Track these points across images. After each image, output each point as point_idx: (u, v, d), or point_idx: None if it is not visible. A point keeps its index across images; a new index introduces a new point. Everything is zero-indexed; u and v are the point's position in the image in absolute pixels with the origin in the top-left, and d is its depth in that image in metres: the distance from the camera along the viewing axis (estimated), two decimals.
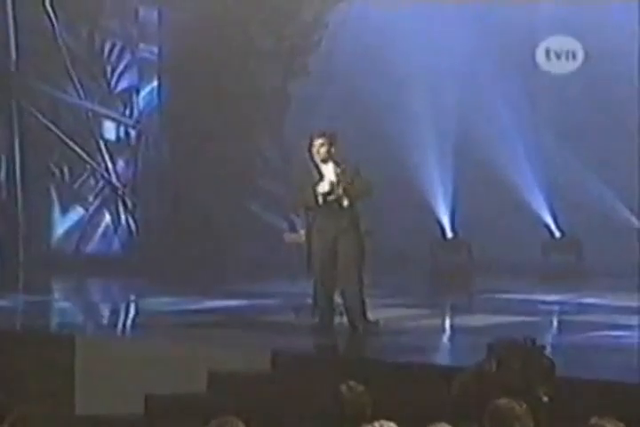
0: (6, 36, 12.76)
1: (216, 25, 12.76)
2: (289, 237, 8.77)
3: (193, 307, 9.53)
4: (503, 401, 4.53)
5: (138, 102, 13.03)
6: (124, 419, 6.78)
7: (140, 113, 13.04)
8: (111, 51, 12.96)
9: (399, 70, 12.42)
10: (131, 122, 13.06)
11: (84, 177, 13.07)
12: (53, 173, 13.03)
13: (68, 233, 13.05)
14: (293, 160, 12.69)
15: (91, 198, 13.07)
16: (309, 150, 8.08)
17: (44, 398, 6.63)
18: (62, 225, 13.08)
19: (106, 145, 13.04)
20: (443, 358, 7.95)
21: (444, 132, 12.51)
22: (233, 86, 12.98)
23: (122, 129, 13.08)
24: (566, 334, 8.76)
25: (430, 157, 12.61)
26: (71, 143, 12.94)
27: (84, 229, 13.05)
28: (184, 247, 12.67)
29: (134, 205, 13.02)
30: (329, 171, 8.08)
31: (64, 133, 12.92)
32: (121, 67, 12.97)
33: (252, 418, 4.47)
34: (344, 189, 7.93)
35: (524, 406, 4.55)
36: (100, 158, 13.03)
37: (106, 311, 10.13)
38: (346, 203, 7.96)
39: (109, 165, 13.03)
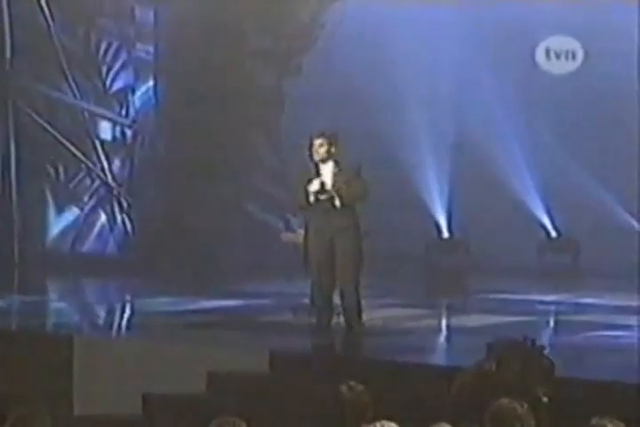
0: (1, 34, 12.74)
1: (212, 25, 12.75)
2: (286, 236, 8.77)
3: (190, 307, 9.51)
4: (504, 401, 4.54)
5: (134, 102, 13.01)
6: (122, 419, 6.77)
7: (136, 113, 13.02)
8: (107, 50, 12.93)
9: (396, 70, 12.41)
10: (126, 121, 13.04)
11: (79, 177, 13.04)
12: (49, 173, 13.01)
13: (63, 233, 13.02)
14: (290, 160, 12.73)
15: (86, 198, 13.05)
16: (309, 150, 8.09)
17: (42, 399, 6.60)
18: (57, 225, 13.06)
19: (101, 145, 13.02)
20: (441, 359, 7.95)
21: (441, 132, 12.51)
22: (229, 86, 12.97)
23: (117, 129, 13.06)
24: (563, 334, 8.76)
25: (427, 157, 12.61)
26: (67, 143, 12.92)
27: (79, 228, 13.02)
28: (180, 247, 12.65)
29: (130, 205, 13.00)
30: (327, 171, 8.09)
31: (59, 133, 12.90)
32: (117, 66, 12.95)
33: (252, 418, 4.46)
34: (337, 190, 7.94)
35: (526, 406, 4.55)
36: (95, 158, 13.01)
37: (102, 312, 10.11)
38: (338, 203, 7.96)
39: (105, 164, 13.01)
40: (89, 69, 12.91)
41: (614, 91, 11.89)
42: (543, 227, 12.63)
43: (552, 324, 9.51)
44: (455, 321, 9.44)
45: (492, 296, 10.47)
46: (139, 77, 12.99)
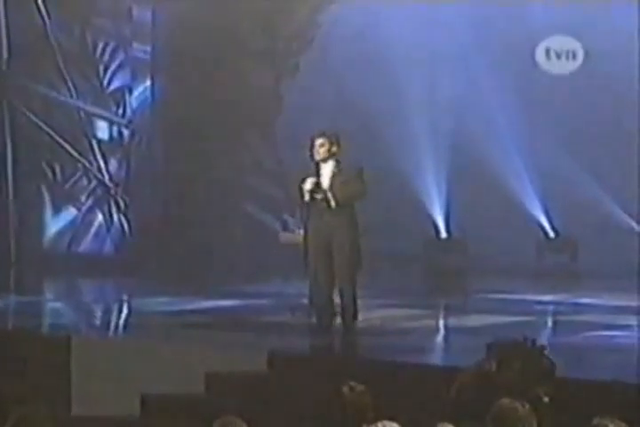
0: None
1: (209, 25, 12.74)
2: (284, 236, 8.75)
3: (188, 307, 9.49)
4: (506, 402, 4.52)
5: (131, 102, 13.00)
6: (120, 419, 6.75)
7: (133, 112, 13.00)
8: (104, 50, 12.92)
9: (395, 70, 12.41)
10: (123, 121, 13.02)
11: (76, 177, 13.02)
12: (45, 173, 12.99)
13: (60, 233, 13.00)
14: (287, 160, 12.72)
15: (83, 198, 13.03)
16: (310, 150, 8.09)
17: (40, 399, 6.59)
18: (54, 225, 13.03)
19: (98, 144, 13.00)
20: (440, 359, 7.94)
21: (440, 133, 12.50)
22: (226, 86, 12.96)
23: (114, 128, 13.04)
24: (561, 334, 8.75)
25: (425, 158, 12.60)
26: (63, 143, 12.90)
27: (76, 229, 13.01)
28: (177, 247, 12.63)
29: (127, 205, 12.99)
30: (326, 170, 8.09)
31: (56, 133, 12.88)
32: (114, 66, 12.93)
33: (251, 418, 4.44)
34: (332, 189, 7.93)
35: (527, 406, 4.53)
36: (92, 158, 12.99)
37: (99, 312, 10.09)
38: (333, 203, 7.95)
39: (102, 164, 12.99)
40: (86, 69, 12.90)
41: (614, 91, 11.89)
42: (541, 227, 12.63)
43: (550, 324, 9.50)
44: (453, 321, 9.43)
45: (490, 296, 10.46)
46: (136, 77, 12.98)
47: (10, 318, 9.59)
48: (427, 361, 7.54)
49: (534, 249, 12.42)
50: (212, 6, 12.69)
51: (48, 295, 11.27)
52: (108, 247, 12.98)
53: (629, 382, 6.38)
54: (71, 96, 12.89)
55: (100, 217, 13.02)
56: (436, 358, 7.93)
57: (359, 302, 8.23)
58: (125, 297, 10.70)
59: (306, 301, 8.40)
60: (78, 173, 13.01)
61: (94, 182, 13.01)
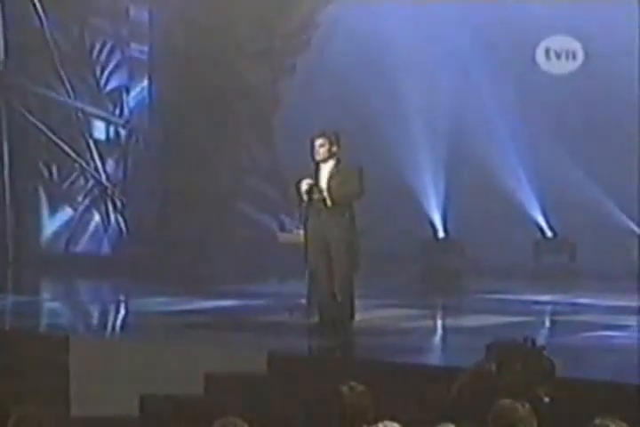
0: None
1: (206, 24, 12.73)
2: (283, 236, 8.75)
3: (186, 307, 9.49)
4: (507, 402, 4.52)
5: (128, 102, 12.98)
6: (119, 420, 6.74)
7: (130, 112, 12.98)
8: (101, 50, 12.90)
9: (393, 70, 12.40)
10: (120, 121, 13.01)
11: (73, 177, 13.01)
12: (42, 173, 12.98)
13: (56, 233, 12.99)
14: (284, 160, 12.72)
15: (80, 198, 13.02)
16: (310, 150, 8.10)
17: (38, 399, 6.58)
18: (51, 225, 13.02)
19: (95, 144, 12.99)
20: (439, 359, 7.94)
21: (439, 133, 12.49)
22: (223, 86, 12.96)
23: (112, 128, 13.03)
24: (559, 334, 8.75)
25: (423, 158, 12.60)
26: (60, 143, 12.89)
27: (73, 229, 12.99)
28: (174, 247, 12.62)
29: (124, 205, 12.97)
30: (326, 170, 8.10)
31: (53, 133, 12.87)
32: (111, 66, 12.92)
33: (250, 419, 4.43)
34: (328, 189, 7.94)
35: (528, 406, 4.54)
36: (89, 158, 12.98)
37: (96, 312, 10.08)
38: (329, 203, 7.94)
39: (99, 164, 12.98)
40: (83, 69, 12.88)
41: (614, 91, 11.89)
42: (539, 227, 12.63)
43: (548, 324, 9.50)
44: (451, 321, 9.42)
45: (488, 296, 10.46)
46: (133, 77, 12.96)
47: (7, 318, 9.57)
48: (426, 361, 7.54)
49: (532, 249, 12.42)
50: (209, 6, 12.68)
51: (45, 295, 11.26)
52: (105, 247, 12.96)
53: (630, 383, 6.38)
54: (68, 96, 12.88)
55: (97, 217, 13.01)
56: (435, 359, 7.93)
57: (357, 302, 8.23)
58: (123, 297, 10.69)
59: (304, 301, 8.40)
60: (75, 173, 13.00)
61: (91, 182, 13.00)
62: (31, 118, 12.83)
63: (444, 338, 8.84)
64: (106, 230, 12.99)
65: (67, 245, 12.97)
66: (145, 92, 13.00)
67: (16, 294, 10.63)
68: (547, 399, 5.09)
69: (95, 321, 9.72)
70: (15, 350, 7.76)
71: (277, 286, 10.57)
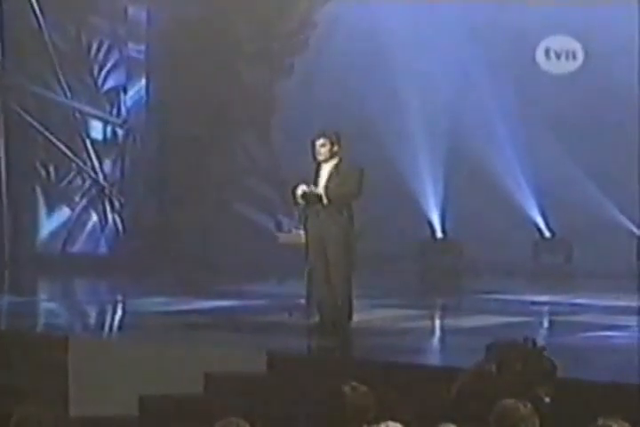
0: None
1: (204, 25, 12.72)
2: (282, 237, 8.74)
3: (184, 307, 9.48)
4: (509, 402, 4.52)
5: (125, 101, 12.96)
6: (118, 420, 6.73)
7: (128, 112, 12.97)
8: (99, 49, 12.89)
9: (391, 70, 12.39)
10: (118, 121, 12.99)
11: (70, 176, 12.99)
12: (39, 173, 12.96)
13: (54, 233, 12.97)
14: (282, 161, 12.72)
15: (77, 198, 13.00)
16: (312, 151, 8.12)
17: (37, 400, 6.56)
18: (48, 225, 13.00)
19: (93, 144, 12.97)
20: (438, 359, 7.93)
21: (437, 133, 12.50)
22: (220, 86, 12.94)
23: (109, 128, 13.01)
24: (557, 334, 8.75)
25: (422, 158, 12.60)
26: (58, 142, 12.87)
27: (70, 229, 12.97)
28: (171, 247, 12.61)
29: (121, 205, 12.96)
30: (326, 170, 8.12)
31: (50, 132, 12.85)
32: (108, 65, 12.90)
33: (250, 419, 4.42)
34: (325, 188, 7.94)
35: (530, 406, 4.53)
36: (86, 158, 12.96)
37: (94, 312, 10.06)
38: (325, 201, 7.96)
39: (96, 164, 12.96)
40: (80, 68, 12.86)
41: (614, 91, 11.90)
42: (537, 227, 12.64)
43: (546, 324, 9.49)
44: (450, 322, 9.42)
45: (486, 297, 10.46)
46: (130, 77, 12.95)
47: (5, 318, 9.55)
48: (425, 362, 7.54)
49: (530, 249, 12.43)
50: (206, 6, 12.67)
51: (43, 296, 11.23)
52: (103, 247, 12.95)
53: (630, 383, 6.38)
54: (66, 96, 12.86)
55: (94, 217, 12.99)
56: (434, 359, 7.92)
57: (355, 302, 8.23)
58: (120, 297, 10.68)
59: (303, 301, 8.40)
60: (72, 173, 12.98)
61: (88, 182, 12.98)
62: (28, 118, 12.81)
63: (442, 338, 8.84)
64: (103, 230, 12.97)
65: (64, 244, 12.95)
66: (142, 92, 12.99)
67: (13, 295, 10.60)
68: (547, 400, 5.09)
69: (93, 321, 9.69)
70: (13, 351, 7.73)
71: (276, 286, 10.56)
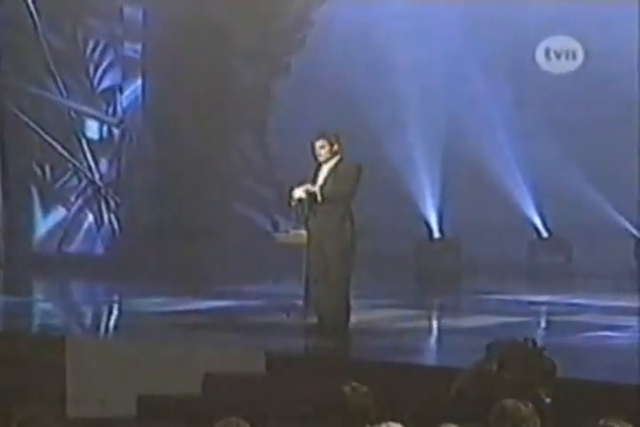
0: None
1: (200, 24, 12.70)
2: (280, 237, 8.73)
3: (181, 308, 9.46)
4: (509, 402, 4.51)
5: (121, 101, 12.94)
6: (116, 421, 6.72)
7: (124, 112, 12.94)
8: (94, 49, 12.86)
9: (389, 69, 12.38)
10: (114, 121, 12.96)
11: (66, 176, 12.97)
12: (35, 173, 12.94)
13: (49, 233, 12.94)
14: (278, 160, 12.71)
15: (73, 198, 12.97)
16: (312, 152, 8.12)
17: (35, 401, 6.55)
18: (44, 225, 12.98)
19: (89, 144, 12.94)
20: (437, 359, 7.93)
21: (435, 133, 12.49)
22: (217, 85, 12.92)
23: (105, 128, 12.99)
24: (555, 334, 8.74)
25: (420, 158, 12.59)
26: (53, 142, 12.85)
27: (66, 229, 12.95)
28: (167, 247, 12.58)
29: (117, 205, 12.93)
30: (325, 169, 8.13)
31: (46, 132, 12.82)
32: (104, 65, 12.87)
33: (249, 420, 4.41)
34: (320, 187, 7.95)
35: (531, 406, 4.52)
36: (82, 157, 12.94)
37: (90, 312, 10.04)
38: (319, 199, 7.97)
39: (92, 164, 12.94)
40: (76, 68, 12.84)
41: (614, 91, 11.91)
42: (535, 227, 12.64)
43: (544, 324, 9.49)
44: (448, 322, 9.42)
45: (484, 297, 10.46)
46: (126, 76, 12.92)
47: (0, 319, 9.52)
48: (423, 362, 7.53)
49: (528, 249, 12.43)
50: (202, 5, 12.65)
51: (38, 296, 11.21)
52: (99, 247, 12.92)
53: (629, 383, 6.38)
54: (61, 95, 12.83)
55: (90, 217, 12.96)
56: (433, 359, 7.92)
57: (353, 302, 8.21)
58: (117, 298, 10.65)
59: (301, 301, 8.38)
60: (68, 173, 12.96)
61: (84, 182, 12.95)
62: (24, 118, 12.79)
63: (440, 338, 8.84)
64: (99, 230, 12.94)
65: (60, 245, 12.92)
66: (138, 92, 12.96)
67: (8, 295, 10.56)
68: (547, 400, 5.09)
69: (89, 322, 9.67)
70: (10, 352, 7.71)
71: (274, 286, 10.55)
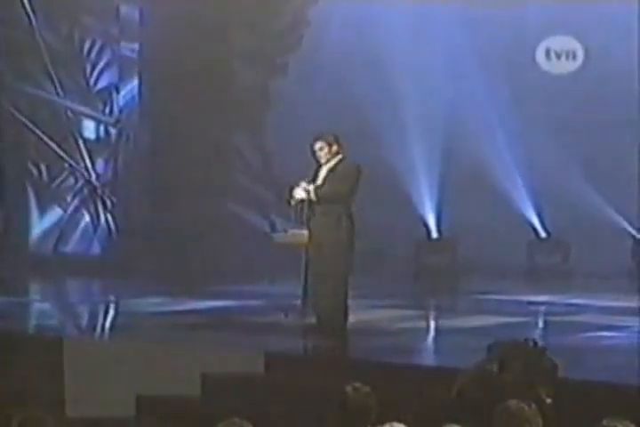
0: None
1: (197, 23, 12.67)
2: (278, 237, 8.71)
3: (179, 308, 9.45)
4: (512, 402, 4.50)
5: (118, 101, 12.90)
6: (115, 421, 6.70)
7: (120, 111, 12.90)
8: (91, 48, 12.82)
9: (388, 69, 12.37)
10: (111, 120, 12.92)
11: (62, 176, 12.93)
12: (31, 173, 12.90)
13: (46, 233, 12.91)
14: (276, 160, 12.69)
15: (69, 198, 12.93)
16: (312, 155, 8.11)
17: (34, 401, 6.53)
18: (40, 225, 12.94)
19: (85, 144, 12.91)
20: (435, 360, 7.92)
21: (433, 132, 12.48)
22: (214, 85, 12.90)
23: (101, 128, 12.95)
24: (553, 334, 8.73)
25: (418, 158, 12.58)
26: (50, 142, 12.81)
27: (62, 229, 12.91)
28: (164, 247, 12.55)
29: (114, 205, 12.89)
30: (325, 170, 8.12)
31: (42, 132, 12.79)
32: (101, 64, 12.84)
33: (249, 420, 4.39)
34: (316, 187, 7.94)
35: (534, 406, 4.51)
36: (79, 157, 12.90)
37: (87, 313, 10.01)
38: (314, 199, 7.97)
39: (88, 164, 12.90)
40: (73, 68, 12.81)
41: (614, 91, 11.91)
42: (533, 227, 12.63)
43: (542, 325, 9.49)
44: (445, 322, 9.40)
45: (481, 297, 10.46)
46: (123, 76, 12.88)
47: None
48: (422, 362, 7.53)
49: (526, 250, 12.42)
50: (199, 4, 12.62)
51: (35, 296, 11.17)
52: (95, 247, 12.88)
53: (628, 383, 6.37)
54: (58, 95, 12.80)
55: (86, 217, 12.93)
56: (432, 359, 7.92)
57: (351, 302, 8.20)
58: (113, 298, 10.63)
59: (299, 302, 8.36)
60: (65, 173, 12.92)
61: (81, 182, 12.91)
62: (20, 117, 12.75)
63: (438, 339, 8.83)
64: (95, 230, 12.91)
65: (56, 245, 12.89)
66: (135, 91, 12.92)
67: (4, 295, 10.53)
68: (549, 400, 5.08)
69: (86, 322, 9.65)
70: (7, 352, 7.68)
71: (273, 286, 10.53)
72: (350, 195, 8.09)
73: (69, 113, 12.86)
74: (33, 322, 9.54)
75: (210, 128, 12.95)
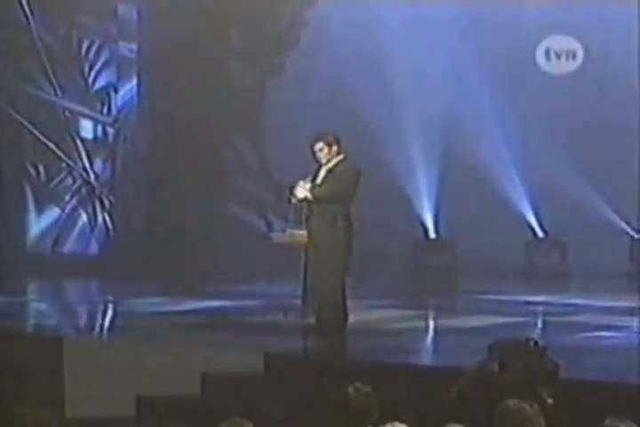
0: None
1: (195, 23, 12.67)
2: (276, 237, 8.71)
3: (178, 308, 9.45)
4: (513, 402, 4.50)
5: (116, 100, 12.89)
6: (115, 421, 6.70)
7: (119, 111, 12.89)
8: (89, 48, 12.81)
9: (386, 70, 12.37)
10: (109, 120, 12.92)
11: (60, 176, 12.93)
12: (29, 173, 12.89)
13: (43, 233, 12.90)
14: (273, 160, 12.69)
15: (67, 198, 12.93)
16: (313, 156, 8.11)
17: (33, 402, 6.52)
18: (38, 225, 12.93)
19: (83, 144, 12.90)
20: (434, 360, 7.92)
21: (432, 132, 12.48)
22: (212, 85, 12.90)
23: (99, 127, 12.94)
24: (551, 334, 8.74)
25: (416, 158, 12.58)
26: (47, 142, 12.80)
27: (60, 229, 12.90)
28: (161, 247, 12.54)
29: (112, 205, 12.89)
30: (325, 170, 8.12)
31: (40, 132, 12.78)
32: (99, 64, 12.83)
33: (248, 420, 4.39)
34: (312, 187, 7.94)
35: (536, 406, 4.52)
36: (76, 157, 12.89)
37: (85, 313, 10.01)
38: (310, 198, 7.98)
39: (86, 164, 12.89)
40: (71, 67, 12.80)
41: (614, 91, 11.92)
42: (531, 227, 12.64)
43: (540, 325, 9.49)
44: (444, 322, 9.41)
45: (480, 297, 10.46)
46: (121, 76, 12.87)
47: None
48: (422, 362, 7.53)
49: (524, 250, 12.42)
50: (197, 4, 12.62)
51: (32, 296, 11.17)
52: (93, 247, 12.87)
53: (628, 383, 6.38)
54: (56, 95, 12.79)
55: (84, 217, 12.92)
56: (431, 359, 7.92)
57: (350, 302, 8.20)
58: (111, 298, 10.62)
59: (298, 302, 8.37)
60: (62, 173, 12.91)
61: (79, 182, 12.91)
62: (18, 117, 12.74)
63: (437, 339, 8.83)
64: (93, 230, 12.90)
65: (54, 245, 12.88)
66: (133, 91, 12.91)
67: (1, 295, 10.52)
68: (550, 400, 5.08)
69: (86, 322, 9.64)
70: (6, 352, 7.68)
71: (272, 286, 10.53)
72: (347, 195, 8.09)
73: (67, 113, 12.85)
74: (31, 322, 9.52)
75: (208, 128, 12.94)
